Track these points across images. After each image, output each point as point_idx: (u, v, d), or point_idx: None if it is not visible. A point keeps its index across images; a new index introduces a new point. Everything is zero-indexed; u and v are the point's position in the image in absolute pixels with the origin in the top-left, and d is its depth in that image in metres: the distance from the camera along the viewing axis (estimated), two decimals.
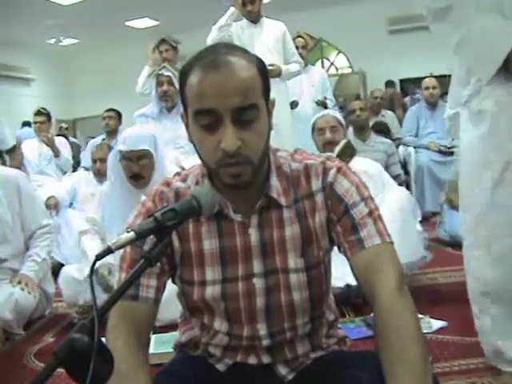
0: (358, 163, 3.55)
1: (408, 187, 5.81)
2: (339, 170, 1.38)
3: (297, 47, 5.98)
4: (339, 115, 3.93)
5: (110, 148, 5.14)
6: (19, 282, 3.20)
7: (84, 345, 0.93)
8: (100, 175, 5.01)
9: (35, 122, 6.61)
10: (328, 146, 3.67)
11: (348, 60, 11.93)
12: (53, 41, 12.60)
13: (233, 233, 1.36)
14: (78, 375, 0.93)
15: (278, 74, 5.04)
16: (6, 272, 3.28)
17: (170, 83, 4.43)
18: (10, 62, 12.79)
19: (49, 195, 5.19)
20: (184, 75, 1.27)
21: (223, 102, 1.20)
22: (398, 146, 6.24)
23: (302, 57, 6.01)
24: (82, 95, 14.04)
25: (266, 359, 1.42)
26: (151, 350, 1.65)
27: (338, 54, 12.15)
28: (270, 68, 4.82)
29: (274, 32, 5.16)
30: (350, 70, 12.10)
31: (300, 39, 6.39)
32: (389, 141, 5.48)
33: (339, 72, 12.21)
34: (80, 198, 5.27)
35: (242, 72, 1.22)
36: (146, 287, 1.34)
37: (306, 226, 1.37)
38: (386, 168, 4.47)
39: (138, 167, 3.08)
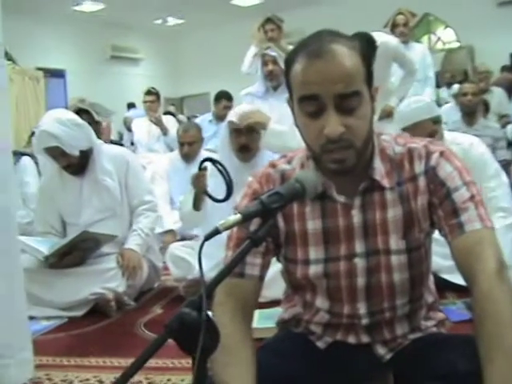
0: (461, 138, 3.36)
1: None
2: (442, 154, 1.37)
3: (397, 25, 5.84)
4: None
5: (199, 129, 5.11)
6: (127, 267, 3.31)
7: (193, 319, 0.99)
8: (187, 158, 4.98)
9: (145, 102, 6.83)
10: None
11: (456, 34, 11.44)
12: (159, 21, 12.91)
13: (336, 213, 1.39)
14: (186, 346, 1.01)
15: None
16: (114, 246, 3.43)
17: (275, 63, 4.54)
18: (121, 43, 13.26)
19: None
20: (289, 63, 1.31)
21: (326, 88, 1.22)
22: (506, 124, 5.98)
23: (403, 34, 5.84)
24: (188, 73, 14.31)
25: (365, 339, 1.44)
26: (254, 325, 1.70)
27: (445, 28, 11.71)
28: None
29: None
30: (457, 45, 11.62)
31: (401, 16, 6.16)
32: (496, 125, 5.35)
33: (446, 47, 11.75)
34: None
35: (345, 60, 1.24)
36: (252, 265, 1.39)
37: (408, 208, 1.37)
38: (493, 152, 4.25)
39: (246, 139, 3.28)
